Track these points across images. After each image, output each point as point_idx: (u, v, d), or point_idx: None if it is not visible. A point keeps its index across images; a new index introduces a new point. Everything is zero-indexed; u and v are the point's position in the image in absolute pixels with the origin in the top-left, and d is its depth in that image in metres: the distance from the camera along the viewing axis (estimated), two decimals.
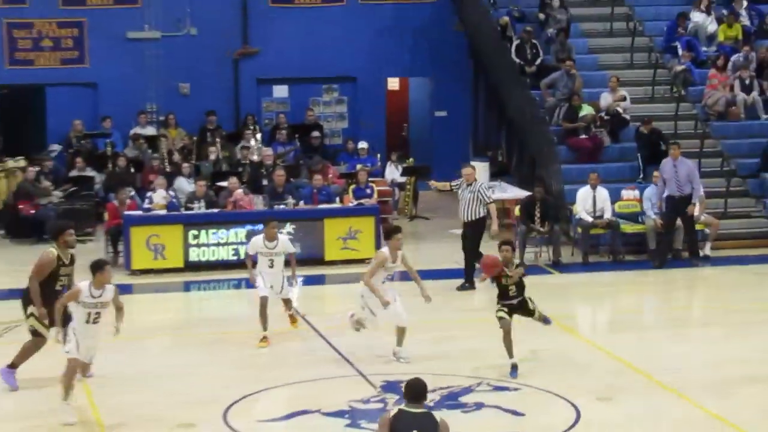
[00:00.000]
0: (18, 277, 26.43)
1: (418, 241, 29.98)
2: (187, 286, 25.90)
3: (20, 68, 33.91)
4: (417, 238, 30.37)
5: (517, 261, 18.58)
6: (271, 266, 21.09)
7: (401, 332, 19.44)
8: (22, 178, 30.62)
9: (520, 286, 18.65)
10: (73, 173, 31.49)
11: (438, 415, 11.56)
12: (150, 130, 33.12)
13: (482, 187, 25.38)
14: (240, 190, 27.75)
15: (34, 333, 18.16)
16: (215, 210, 27.40)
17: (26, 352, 18.22)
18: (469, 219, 25.11)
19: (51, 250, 18.19)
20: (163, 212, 27.12)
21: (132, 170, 31.25)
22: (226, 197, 27.68)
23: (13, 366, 18.22)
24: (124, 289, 25.06)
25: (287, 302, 21.67)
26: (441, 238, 30.24)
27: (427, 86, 37.23)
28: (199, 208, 27.31)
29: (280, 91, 36.01)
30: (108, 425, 16.92)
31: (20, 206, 29.84)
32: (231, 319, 23.83)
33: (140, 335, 22.40)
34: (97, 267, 16.49)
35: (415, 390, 11.50)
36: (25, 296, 18.43)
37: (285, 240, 21.62)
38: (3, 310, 23.34)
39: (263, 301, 20.68)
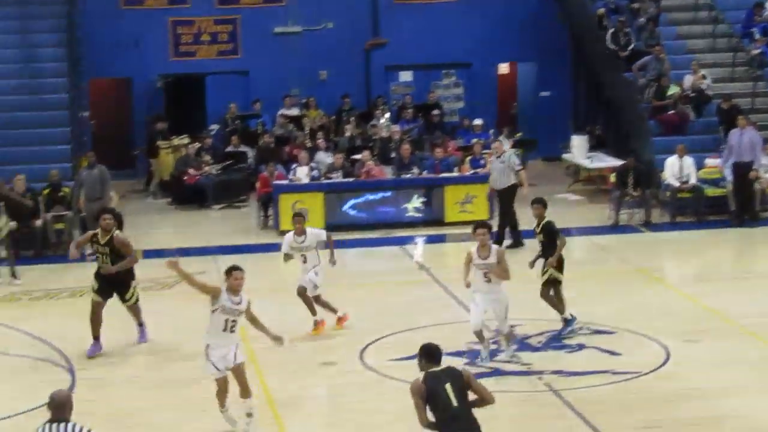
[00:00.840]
0: (183, 238, 26.85)
1: (526, 205, 29.76)
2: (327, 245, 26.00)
3: (183, 60, 34.25)
4: (525, 202, 30.15)
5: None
6: (304, 262, 18.92)
7: (505, 337, 17.15)
8: (185, 154, 30.94)
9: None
10: (229, 149, 31.78)
11: (459, 366, 11.54)
12: (294, 111, 33.27)
13: (512, 157, 25.44)
14: (371, 162, 27.92)
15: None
16: (351, 179, 27.69)
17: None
18: (502, 186, 25.04)
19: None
20: (306, 181, 27.34)
21: (279, 146, 31.44)
22: (360, 168, 27.86)
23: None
24: (272, 248, 25.34)
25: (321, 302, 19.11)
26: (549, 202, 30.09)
27: (534, 70, 37.03)
28: (337, 177, 27.63)
29: (406, 76, 36.02)
30: (262, 362, 17.08)
31: (184, 177, 30.16)
32: (367, 273, 23.93)
33: (287, 286, 22.51)
34: (226, 272, 14.40)
35: (433, 352, 11.30)
36: None
37: (314, 232, 19.08)
38: (155, 268, 23.59)
39: (300, 290, 18.77)
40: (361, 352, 17.69)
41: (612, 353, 17.35)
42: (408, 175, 27.64)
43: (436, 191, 27.37)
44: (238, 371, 14.15)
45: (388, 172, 28.26)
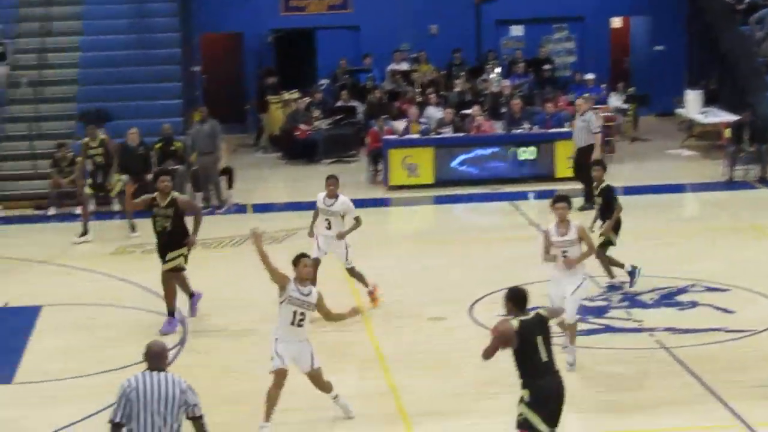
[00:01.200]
0: (293, 192, 26.95)
1: (639, 161, 29.52)
2: (437, 200, 25.96)
3: (294, 14, 34.27)
4: (637, 157, 29.91)
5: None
6: (329, 227, 17.93)
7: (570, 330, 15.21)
8: (295, 108, 31.01)
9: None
10: (339, 104, 31.80)
11: (543, 312, 11.35)
12: (404, 66, 33.19)
13: (592, 117, 24.98)
14: (482, 117, 27.79)
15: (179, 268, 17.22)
16: (461, 134, 27.60)
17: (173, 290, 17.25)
18: (581, 144, 24.69)
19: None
20: (417, 136, 27.29)
21: (389, 101, 31.40)
22: (470, 123, 27.75)
23: (171, 314, 17.21)
24: (381, 202, 25.41)
25: (355, 275, 18.20)
26: (659, 158, 29.82)
27: (647, 24, 36.49)
28: (447, 132, 27.55)
29: (517, 30, 35.71)
30: (371, 317, 17.12)
31: (294, 132, 30.25)
32: (476, 228, 23.87)
33: (396, 241, 22.57)
34: (294, 260, 13.39)
35: (522, 298, 11.21)
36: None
37: (345, 201, 17.91)
38: (283, 220, 23.75)
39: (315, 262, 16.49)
40: (470, 307, 17.67)
41: (725, 311, 17.16)
42: (518, 131, 27.47)
43: (547, 146, 27.16)
44: (316, 376, 13.47)
45: (498, 128, 28.12)
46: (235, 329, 17.28)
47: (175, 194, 17.27)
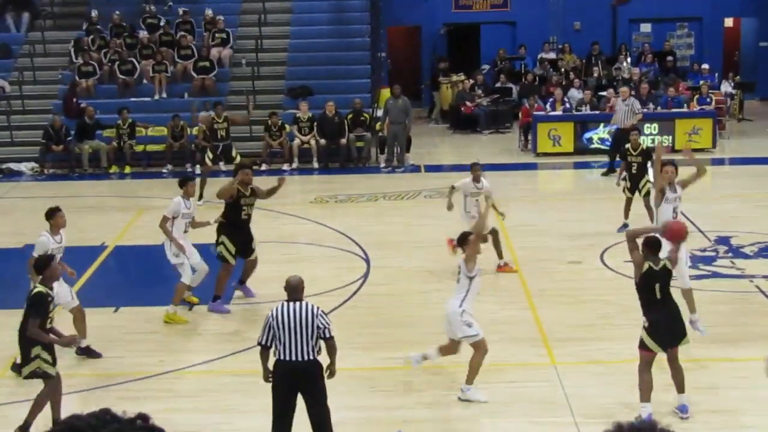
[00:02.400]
0: (458, 156, 26.86)
1: (744, 137, 28.72)
2: (575, 165, 25.56)
3: (462, 11, 34.04)
4: (743, 134, 29.10)
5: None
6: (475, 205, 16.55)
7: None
8: (462, 88, 30.86)
9: None
10: (498, 85, 31.53)
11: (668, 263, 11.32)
12: (552, 55, 32.72)
13: (635, 102, 24.29)
14: (615, 98, 27.27)
15: (222, 259, 15.55)
16: (597, 112, 27.12)
17: (221, 280, 15.55)
18: (623, 125, 23.75)
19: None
20: (560, 113, 26.91)
21: (539, 83, 31.02)
22: (605, 103, 27.26)
23: (217, 297, 15.61)
24: (530, 167, 25.15)
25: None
26: (762, 135, 28.94)
27: (755, 24, 35.35)
28: (586, 110, 27.13)
29: (646, 27, 34.92)
30: (520, 259, 16.97)
31: (461, 108, 30.14)
32: (607, 189, 23.44)
33: (542, 198, 22.35)
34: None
35: (656, 245, 11.27)
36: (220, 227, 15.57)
37: (487, 185, 16.67)
38: (450, 179, 23.65)
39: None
40: (601, 254, 17.40)
41: None
42: (645, 110, 26.91)
43: (668, 124, 26.58)
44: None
45: None
46: (408, 267, 17.30)
47: (254, 185, 15.95)
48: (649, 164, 18.40)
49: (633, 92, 25.78)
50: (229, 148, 22.45)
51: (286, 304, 10.27)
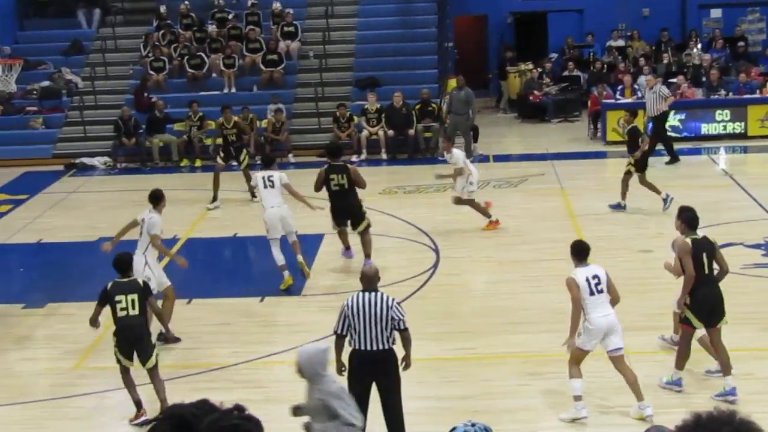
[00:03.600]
0: (526, 145, 26.72)
1: None
2: None
3: (530, 0, 33.82)
4: None
5: None
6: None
7: None
8: (530, 77, 30.70)
9: None
10: (566, 73, 31.30)
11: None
12: (620, 43, 32.41)
13: (661, 88, 23.92)
14: (685, 85, 26.98)
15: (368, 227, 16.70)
16: None
17: (369, 244, 16.64)
18: (653, 114, 23.63)
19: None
20: (630, 100, 26.63)
21: (607, 71, 30.74)
22: (675, 90, 26.92)
23: (368, 256, 16.47)
24: (600, 155, 24.93)
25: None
26: None
27: None
28: None
29: (716, 12, 34.40)
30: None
31: (529, 97, 29.99)
32: (678, 176, 23.19)
33: (612, 186, 22.18)
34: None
35: (695, 221, 11.74)
36: None
37: (457, 155, 18.46)
38: (519, 168, 23.58)
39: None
40: (672, 243, 17.19)
41: None
42: (716, 96, 26.61)
43: (740, 110, 26.22)
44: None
45: (698, 94, 27.25)
46: (477, 257, 17.29)
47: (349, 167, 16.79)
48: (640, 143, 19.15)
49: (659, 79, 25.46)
50: (239, 149, 22.29)
51: (361, 294, 10.31)
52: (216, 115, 26.36)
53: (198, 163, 25.74)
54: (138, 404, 11.98)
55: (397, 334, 10.33)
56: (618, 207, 19.42)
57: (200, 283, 17.16)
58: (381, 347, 10.19)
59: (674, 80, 27.81)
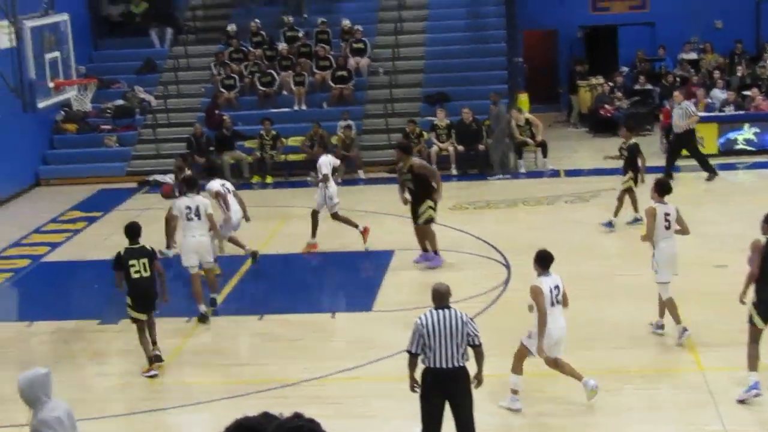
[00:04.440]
0: (598, 160, 26.54)
1: None
2: (719, 167, 24.89)
3: (600, 14, 33.70)
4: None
5: None
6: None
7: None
8: (601, 91, 30.56)
9: None
10: (637, 87, 31.11)
11: None
12: (692, 56, 32.14)
13: (688, 105, 23.90)
14: (759, 97, 26.70)
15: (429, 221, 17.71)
16: (741, 112, 26.56)
17: (430, 237, 17.82)
18: (679, 130, 23.57)
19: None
20: (704, 113, 26.39)
21: (680, 84, 30.47)
22: (750, 102, 26.69)
23: (436, 252, 17.83)
24: (672, 169, 24.62)
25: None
26: None
27: None
28: (729, 110, 26.60)
29: None
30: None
31: (600, 111, 29.84)
32: (754, 188, 22.96)
33: (686, 200, 21.95)
34: None
35: None
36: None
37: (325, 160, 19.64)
38: (590, 183, 23.46)
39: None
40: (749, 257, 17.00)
41: None
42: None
43: None
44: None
45: None
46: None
47: (414, 160, 17.90)
48: (639, 161, 19.66)
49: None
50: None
51: (435, 311, 10.32)
52: (287, 132, 26.64)
53: (269, 179, 25.95)
54: (150, 360, 13.83)
55: (470, 350, 10.34)
56: (635, 222, 19.37)
57: (272, 299, 17.34)
58: (455, 364, 10.21)
59: (748, 93, 27.52)
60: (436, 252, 17.86)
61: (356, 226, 19.14)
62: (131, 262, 13.74)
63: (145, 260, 13.80)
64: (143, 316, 13.92)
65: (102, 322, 16.04)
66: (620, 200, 19.59)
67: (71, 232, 22.09)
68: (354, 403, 12.69)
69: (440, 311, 10.29)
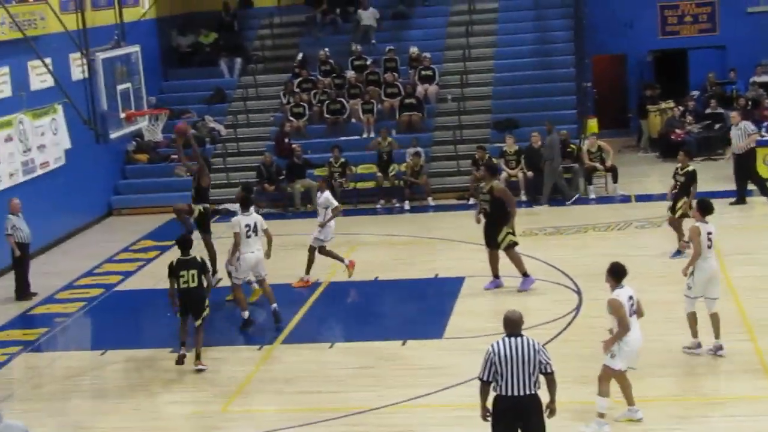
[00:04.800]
0: (669, 185, 26.25)
1: None
2: None
3: (669, 38, 33.45)
4: None
5: None
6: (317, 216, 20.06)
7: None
8: (671, 115, 30.34)
9: None
10: (708, 111, 30.82)
11: None
12: (765, 78, 31.76)
13: (746, 124, 23.72)
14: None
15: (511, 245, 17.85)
16: None
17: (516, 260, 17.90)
18: (739, 151, 23.36)
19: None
20: None
21: (752, 108, 30.15)
22: None
23: (525, 275, 17.94)
24: (746, 193, 24.30)
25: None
26: None
27: None
28: None
29: None
30: (738, 287, 16.50)
31: (670, 135, 29.61)
32: None
33: (760, 225, 21.78)
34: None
35: None
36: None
37: (327, 197, 19.67)
38: (661, 208, 23.26)
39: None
40: None
41: None
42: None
43: None
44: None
45: None
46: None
47: (496, 183, 18.03)
48: (692, 188, 19.27)
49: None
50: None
51: (507, 339, 10.27)
52: (356, 160, 26.74)
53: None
54: (182, 345, 15.41)
55: (541, 378, 10.28)
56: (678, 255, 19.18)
57: (342, 326, 17.39)
58: (527, 392, 10.15)
59: None
60: (525, 275, 17.97)
61: (342, 260, 19.37)
62: (181, 273, 15.21)
63: (195, 271, 15.19)
64: (185, 317, 15.49)
65: (174, 350, 16.17)
66: (678, 228, 19.36)
67: (143, 261, 22.34)
68: (427, 431, 12.66)
69: (512, 339, 10.25)
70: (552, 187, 25.43)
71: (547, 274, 18.73)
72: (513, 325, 10.35)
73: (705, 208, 14.67)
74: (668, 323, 15.51)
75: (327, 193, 19.52)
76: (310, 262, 19.22)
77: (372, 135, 28.20)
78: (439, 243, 21.46)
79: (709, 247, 14.23)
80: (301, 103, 29.03)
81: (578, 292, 17.43)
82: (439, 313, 16.95)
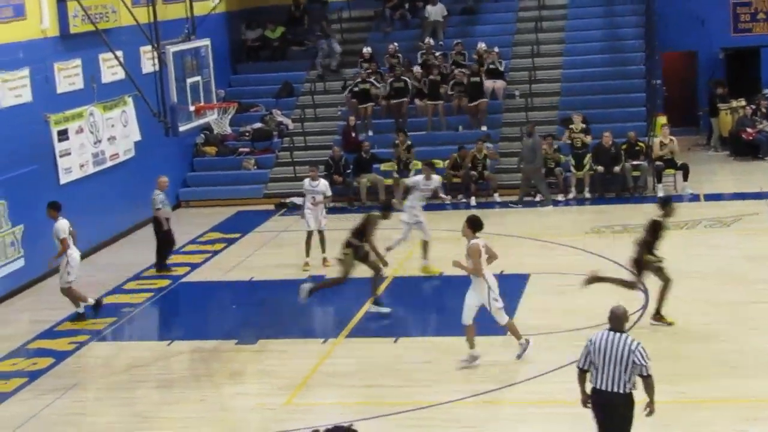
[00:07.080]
0: (739, 183, 25.94)
1: None
2: None
3: (742, 35, 32.99)
4: None
5: None
6: (313, 203, 21.07)
7: None
8: (742, 114, 29.92)
9: None
10: None
11: None
12: None
13: None
14: None
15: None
16: None
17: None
18: None
19: None
20: None
21: None
22: None
23: None
24: None
25: None
26: None
27: None
28: None
29: None
30: None
31: (741, 134, 29.21)
32: None
33: None
34: None
35: None
36: None
37: (325, 183, 21.19)
38: (732, 207, 22.99)
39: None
40: None
41: None
42: None
43: None
44: None
45: None
46: (688, 298, 16.86)
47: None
48: None
49: None
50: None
51: (606, 332, 10.20)
52: (423, 155, 26.67)
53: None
54: None
55: (638, 380, 10.13)
56: None
57: (407, 321, 17.36)
58: (616, 390, 10.02)
59: None
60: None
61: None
62: None
63: None
64: None
65: (239, 342, 16.26)
66: None
67: (210, 253, 22.49)
68: (490, 427, 12.61)
69: (611, 334, 10.16)
70: (526, 191, 25.26)
71: (614, 272, 18.52)
72: (616, 320, 10.26)
73: None
74: (739, 323, 15.31)
75: (325, 182, 21.06)
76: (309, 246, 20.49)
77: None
78: (503, 239, 21.35)
79: None
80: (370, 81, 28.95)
81: (645, 291, 17.22)
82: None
